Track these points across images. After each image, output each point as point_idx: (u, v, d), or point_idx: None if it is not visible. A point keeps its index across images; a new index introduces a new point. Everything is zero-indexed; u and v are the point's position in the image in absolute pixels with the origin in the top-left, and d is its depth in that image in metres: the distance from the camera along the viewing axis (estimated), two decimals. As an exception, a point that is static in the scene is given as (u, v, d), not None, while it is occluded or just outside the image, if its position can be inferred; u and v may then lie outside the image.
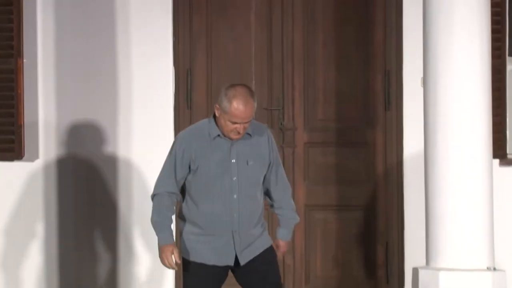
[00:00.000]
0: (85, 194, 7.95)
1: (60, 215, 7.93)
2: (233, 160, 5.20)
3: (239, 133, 5.16)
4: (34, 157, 7.92)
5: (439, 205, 6.34)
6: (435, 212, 6.36)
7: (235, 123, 5.14)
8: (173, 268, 5.20)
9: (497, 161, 7.72)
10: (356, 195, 8.12)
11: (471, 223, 6.28)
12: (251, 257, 5.24)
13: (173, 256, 5.15)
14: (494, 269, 6.30)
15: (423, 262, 6.47)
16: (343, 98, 8.15)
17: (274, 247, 5.39)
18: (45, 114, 7.94)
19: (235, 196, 5.18)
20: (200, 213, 5.18)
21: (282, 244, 5.41)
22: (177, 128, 8.05)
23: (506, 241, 7.63)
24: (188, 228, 5.23)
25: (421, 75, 6.69)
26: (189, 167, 5.19)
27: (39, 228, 7.91)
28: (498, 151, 7.68)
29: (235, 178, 5.19)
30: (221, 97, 5.18)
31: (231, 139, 5.20)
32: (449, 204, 6.30)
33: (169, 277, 7.93)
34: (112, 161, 7.98)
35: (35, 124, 7.92)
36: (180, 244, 5.28)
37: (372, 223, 8.13)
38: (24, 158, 7.85)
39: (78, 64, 7.94)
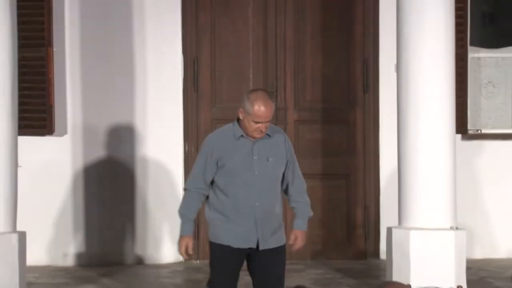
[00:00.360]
0: (106, 163, 7.95)
1: (85, 180, 7.95)
2: (255, 157, 5.15)
3: (261, 131, 5.11)
4: (63, 132, 7.94)
5: (409, 174, 6.34)
6: (406, 179, 6.36)
7: (258, 122, 5.08)
8: (184, 257, 5.23)
9: (459, 136, 7.73)
10: (338, 166, 8.15)
11: (437, 189, 6.28)
12: (270, 246, 5.19)
13: (188, 246, 5.15)
14: (456, 228, 6.31)
15: (396, 222, 6.47)
16: (328, 82, 8.16)
17: (292, 239, 5.30)
18: (72, 95, 7.94)
19: (256, 187, 5.13)
20: (227, 202, 5.14)
21: (299, 233, 5.32)
22: (186, 108, 8.08)
23: (466, 204, 7.65)
24: (215, 215, 5.19)
25: (395, 63, 6.68)
26: (217, 164, 5.15)
27: (67, 192, 7.92)
28: (460, 127, 7.68)
29: (256, 172, 5.13)
30: (244, 102, 5.12)
31: (253, 138, 5.15)
32: (418, 173, 6.31)
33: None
34: (130, 134, 7.98)
35: (63, 104, 7.91)
36: (208, 229, 5.26)
37: (353, 189, 8.17)
38: (54, 133, 7.86)
39: (100, 52, 7.93)
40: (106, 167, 7.97)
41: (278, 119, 8.07)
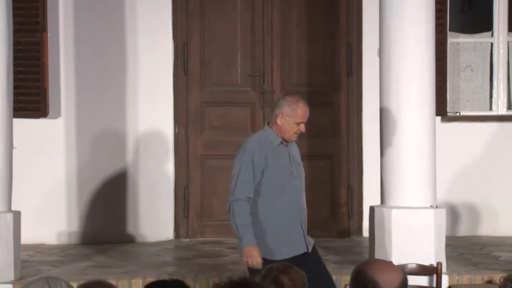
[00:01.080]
0: (99, 144, 7.88)
1: (77, 162, 7.87)
2: (292, 163, 5.07)
3: (301, 132, 5.04)
4: (56, 115, 7.86)
5: (391, 155, 6.28)
6: (388, 160, 6.30)
7: (300, 123, 5.01)
8: (259, 267, 4.83)
9: (439, 118, 7.67)
10: (323, 147, 8.09)
11: (418, 169, 6.21)
12: (311, 247, 5.11)
13: (259, 256, 4.88)
14: (436, 207, 6.25)
15: (378, 202, 6.43)
16: (313, 67, 8.09)
17: None
18: (66, 79, 7.85)
19: (298, 192, 5.05)
20: (271, 210, 4.96)
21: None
22: (176, 90, 8.01)
23: (445, 183, 7.63)
24: (263, 228, 4.96)
25: (378, 47, 6.60)
26: (262, 172, 4.95)
27: (60, 173, 7.84)
28: (440, 110, 7.62)
29: (296, 177, 5.06)
30: (282, 106, 5.01)
31: (290, 141, 5.05)
32: (400, 154, 6.24)
33: (169, 220, 7.92)
34: (121, 117, 7.90)
35: (57, 87, 7.83)
36: (259, 245, 4.96)
37: (337, 170, 8.12)
38: (48, 116, 7.78)
39: (92, 38, 7.85)
40: (98, 148, 7.88)
41: (265, 102, 8.04)
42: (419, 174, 6.22)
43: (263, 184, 4.96)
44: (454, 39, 8.29)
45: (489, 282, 6.24)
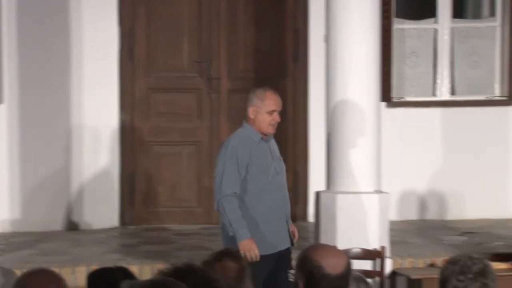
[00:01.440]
0: (43, 131, 7.74)
1: (21, 148, 7.73)
2: (274, 159, 5.10)
3: (276, 122, 5.03)
4: (-1, 101, 7.74)
5: (337, 140, 6.27)
6: (333, 146, 6.30)
7: (273, 111, 5.00)
8: (257, 259, 4.87)
9: (384, 104, 7.67)
10: (270, 133, 8.10)
11: (363, 154, 6.22)
12: (294, 241, 5.17)
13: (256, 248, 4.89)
14: (380, 192, 6.27)
15: (324, 187, 6.42)
16: (260, 53, 8.06)
17: (295, 233, 5.27)
18: (9, 66, 7.70)
19: (282, 187, 5.09)
20: (258, 206, 4.98)
21: (293, 226, 5.29)
22: (122, 76, 7.92)
23: (389, 168, 7.67)
24: (254, 223, 4.97)
25: (324, 33, 6.58)
26: (247, 168, 4.96)
27: (3, 159, 7.70)
28: (385, 95, 7.65)
29: (279, 172, 5.09)
30: (252, 99, 5.03)
31: (268, 133, 5.06)
32: (346, 139, 6.24)
33: (114, 207, 7.85)
34: (66, 103, 7.79)
35: (0, 74, 7.67)
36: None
37: (283, 155, 7.77)
38: (-10, 103, 7.67)
39: (36, 24, 7.71)
40: (42, 135, 7.76)
41: (211, 88, 7.99)
42: (364, 159, 6.23)
43: (250, 180, 4.99)
44: (400, 25, 8.31)
45: (432, 265, 6.29)
